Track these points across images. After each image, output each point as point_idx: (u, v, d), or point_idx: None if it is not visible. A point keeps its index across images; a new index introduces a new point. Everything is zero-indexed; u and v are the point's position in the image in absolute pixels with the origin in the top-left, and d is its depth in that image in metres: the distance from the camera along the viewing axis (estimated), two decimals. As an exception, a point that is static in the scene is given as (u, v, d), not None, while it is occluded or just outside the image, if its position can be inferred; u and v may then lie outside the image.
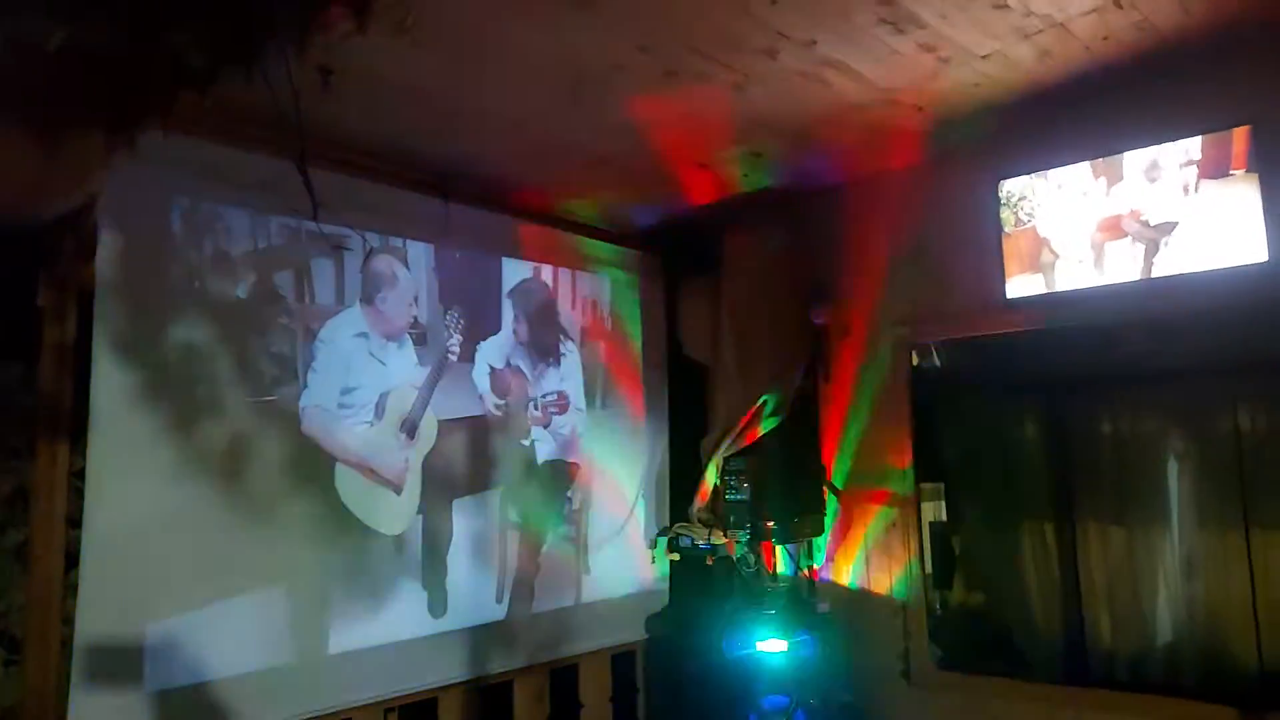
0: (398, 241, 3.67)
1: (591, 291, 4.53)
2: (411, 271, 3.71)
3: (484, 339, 4.00)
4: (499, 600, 3.94)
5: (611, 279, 4.64)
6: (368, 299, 3.53)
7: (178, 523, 2.97)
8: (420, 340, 3.70)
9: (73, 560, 2.83)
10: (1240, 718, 3.18)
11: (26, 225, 2.67)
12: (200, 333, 3.07)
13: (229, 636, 3.06)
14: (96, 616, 2.79)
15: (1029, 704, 3.68)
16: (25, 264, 2.76)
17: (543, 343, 4.26)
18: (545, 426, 4.23)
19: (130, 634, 2.87)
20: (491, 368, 4.01)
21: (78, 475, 2.85)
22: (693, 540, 4.32)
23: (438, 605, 3.69)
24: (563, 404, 4.29)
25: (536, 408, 4.19)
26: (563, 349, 4.36)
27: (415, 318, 3.69)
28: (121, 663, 2.84)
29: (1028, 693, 3.73)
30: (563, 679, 4.22)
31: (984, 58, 3.09)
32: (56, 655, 2.78)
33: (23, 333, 2.80)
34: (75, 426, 2.84)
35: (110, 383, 2.85)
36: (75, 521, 2.84)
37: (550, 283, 4.36)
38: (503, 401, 4.02)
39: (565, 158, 3.70)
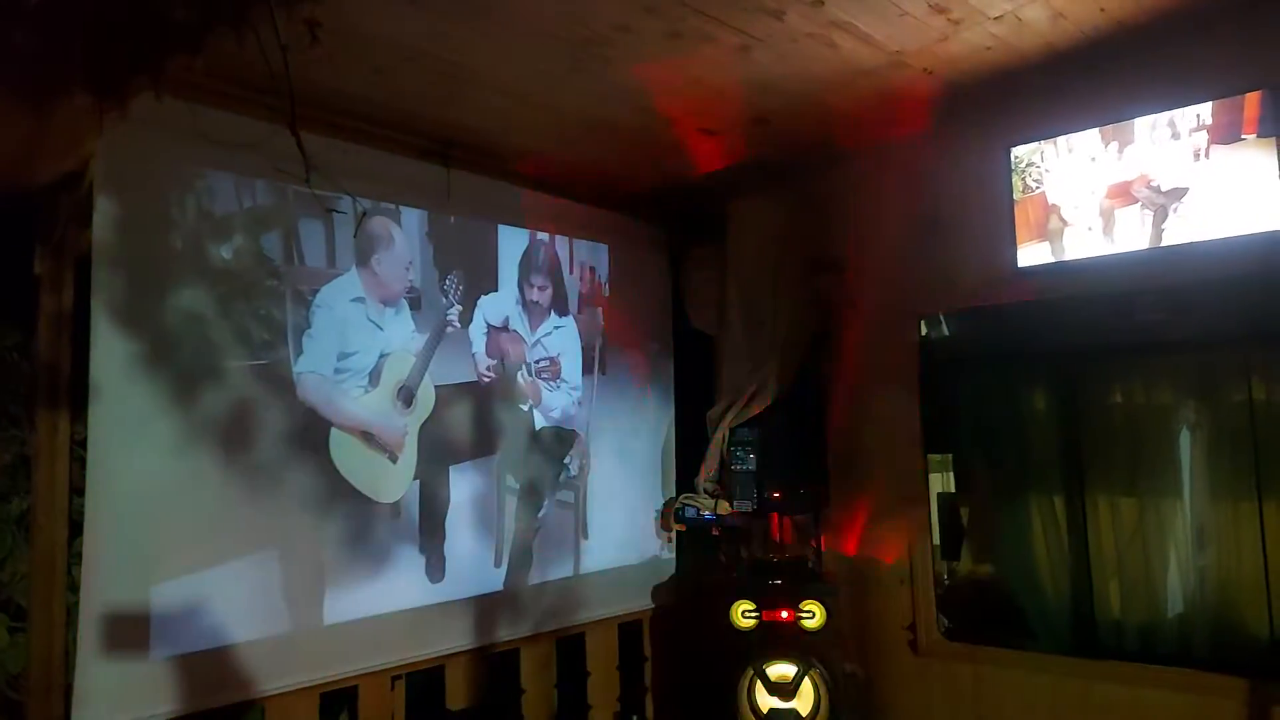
0: (390, 206, 3.63)
1: (590, 259, 4.49)
2: (406, 236, 3.67)
3: (483, 295, 3.97)
4: (497, 565, 3.94)
5: (613, 248, 4.60)
6: (363, 262, 3.50)
7: (181, 490, 2.96)
8: (416, 305, 3.67)
9: (76, 528, 2.83)
10: (1251, 688, 3.15)
11: (21, 192, 2.65)
12: (195, 297, 3.04)
13: (235, 603, 3.07)
14: (102, 584, 2.79)
15: (1036, 675, 3.67)
16: (21, 231, 2.75)
17: (544, 304, 4.23)
18: (538, 395, 4.20)
19: (136, 601, 2.87)
20: (489, 326, 3.97)
21: (80, 444, 2.85)
22: (699, 511, 4.31)
23: (435, 570, 3.69)
24: (554, 370, 4.26)
25: (529, 374, 4.16)
26: (561, 316, 4.32)
27: (411, 283, 3.66)
28: (127, 630, 2.84)
29: (1035, 663, 3.72)
30: (569, 647, 4.24)
31: (996, 19, 3.02)
32: (61, 623, 2.80)
33: (20, 301, 2.79)
34: (75, 395, 2.83)
35: (110, 350, 2.83)
36: (79, 490, 2.84)
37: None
38: (496, 362, 3.99)
39: (567, 122, 3.64)
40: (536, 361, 4.19)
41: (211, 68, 2.24)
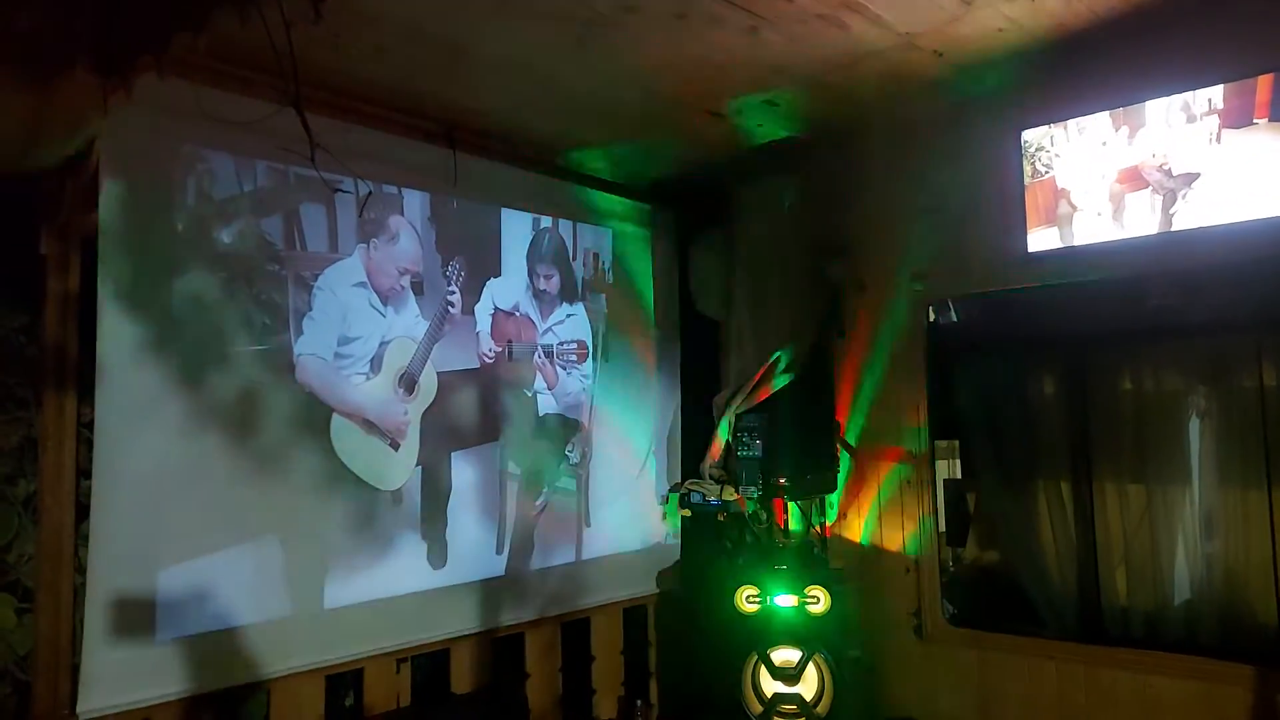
0: (392, 189, 3.60)
1: (594, 244, 4.46)
2: (407, 220, 3.63)
3: (487, 280, 3.95)
4: (499, 551, 3.93)
5: (619, 232, 4.57)
6: (364, 246, 3.49)
7: (186, 473, 2.96)
8: (419, 290, 3.65)
9: (83, 510, 2.83)
10: (1257, 675, 3.14)
11: (27, 173, 2.64)
12: (199, 281, 3.03)
13: (239, 586, 3.08)
14: (108, 566, 2.79)
15: (1042, 661, 3.66)
16: (27, 212, 2.74)
17: (553, 293, 4.21)
18: (554, 378, 4.18)
19: (142, 583, 2.88)
20: (497, 308, 3.95)
21: (87, 426, 2.85)
22: (704, 496, 4.30)
23: (437, 557, 3.68)
24: (583, 354, 4.25)
25: (544, 354, 4.13)
26: (572, 304, 4.31)
27: (410, 277, 3.63)
28: (133, 612, 2.85)
29: (1041, 650, 3.71)
30: (574, 632, 4.25)
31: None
32: (68, 604, 2.80)
33: (27, 282, 2.78)
34: (82, 377, 2.83)
35: (116, 332, 2.82)
36: (85, 472, 2.84)
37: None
38: (500, 348, 3.97)
39: (573, 105, 3.62)
40: (561, 344, 4.17)
41: (215, 47, 2.22)
